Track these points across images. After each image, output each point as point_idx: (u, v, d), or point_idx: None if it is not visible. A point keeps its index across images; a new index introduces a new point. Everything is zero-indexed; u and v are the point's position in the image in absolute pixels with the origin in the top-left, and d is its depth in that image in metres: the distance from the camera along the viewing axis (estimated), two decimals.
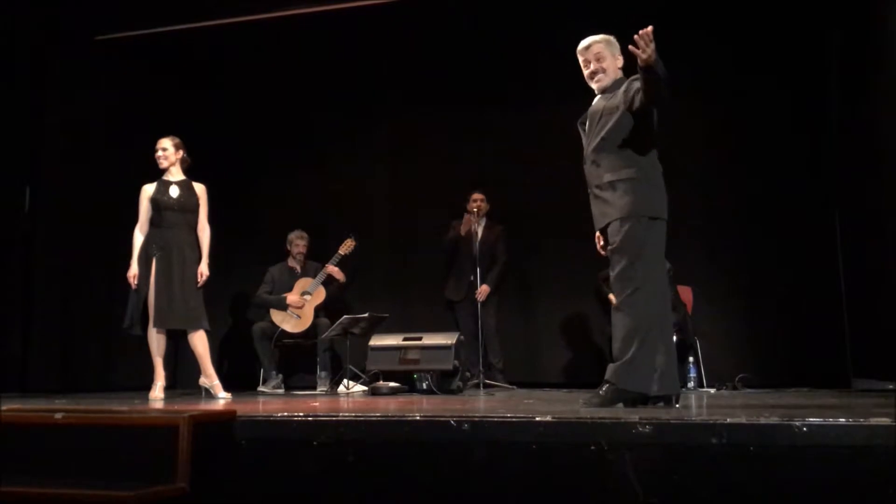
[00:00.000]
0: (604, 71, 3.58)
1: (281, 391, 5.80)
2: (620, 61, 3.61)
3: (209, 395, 4.85)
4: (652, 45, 3.24)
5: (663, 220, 3.39)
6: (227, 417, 2.84)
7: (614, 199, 3.38)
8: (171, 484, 2.51)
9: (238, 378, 6.21)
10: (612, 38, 3.65)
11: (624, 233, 3.33)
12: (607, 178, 3.42)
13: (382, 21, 6.26)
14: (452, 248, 6.19)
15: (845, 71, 5.53)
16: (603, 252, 3.62)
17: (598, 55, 3.60)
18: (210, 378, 4.85)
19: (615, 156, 3.42)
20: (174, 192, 4.91)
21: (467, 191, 6.19)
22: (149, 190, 4.94)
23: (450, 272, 6.25)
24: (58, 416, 2.76)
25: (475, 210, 6.03)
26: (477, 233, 6.04)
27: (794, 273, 5.83)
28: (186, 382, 6.82)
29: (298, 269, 6.23)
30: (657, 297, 3.34)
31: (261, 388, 5.89)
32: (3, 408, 2.95)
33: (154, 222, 4.87)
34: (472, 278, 5.96)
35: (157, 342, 4.74)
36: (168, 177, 4.98)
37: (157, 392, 4.74)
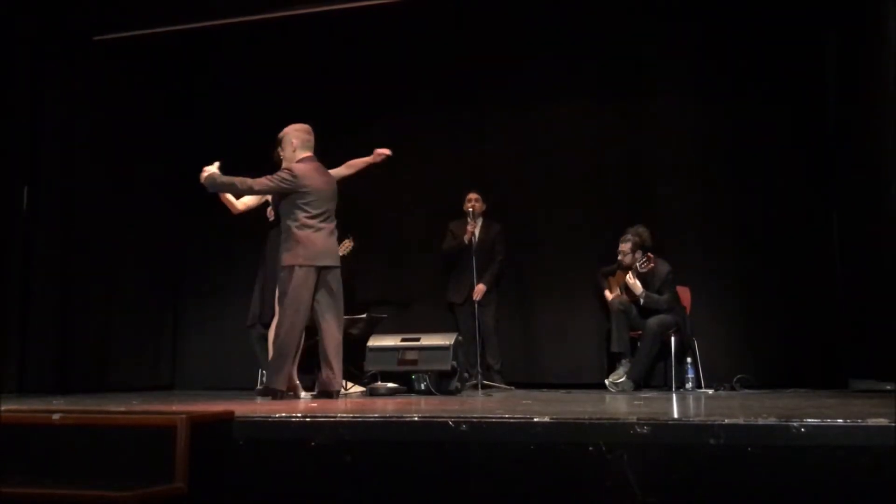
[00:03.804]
0: (283, 157, 4.83)
1: None
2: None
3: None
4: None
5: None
6: (225, 418, 2.84)
7: None
8: (169, 484, 2.51)
9: (236, 379, 6.21)
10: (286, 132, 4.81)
11: None
12: None
13: (380, 21, 6.26)
14: (453, 255, 6.18)
15: (842, 72, 5.54)
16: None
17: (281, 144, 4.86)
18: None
19: None
20: None
21: (466, 191, 6.19)
22: None
23: (451, 275, 6.24)
24: (55, 416, 2.76)
25: (470, 210, 6.04)
26: (474, 233, 6.04)
27: (792, 274, 5.83)
28: (185, 383, 6.83)
29: None
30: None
31: (259, 389, 5.88)
32: (2, 408, 2.95)
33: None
34: (472, 280, 5.95)
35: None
36: None
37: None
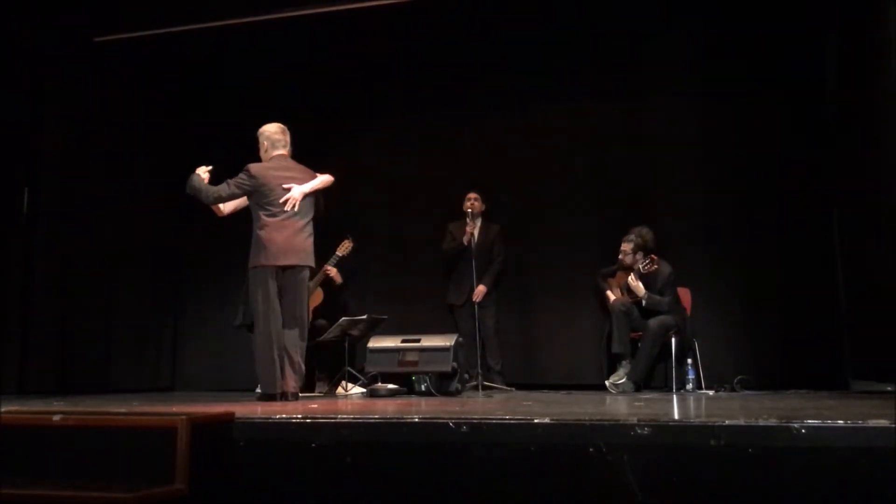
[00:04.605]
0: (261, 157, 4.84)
1: None
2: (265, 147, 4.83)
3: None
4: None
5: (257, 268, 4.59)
6: (225, 419, 2.84)
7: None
8: (170, 485, 2.51)
9: (236, 380, 6.21)
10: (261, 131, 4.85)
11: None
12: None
13: (380, 22, 6.26)
14: (453, 256, 6.18)
15: (842, 72, 5.54)
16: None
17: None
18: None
19: None
20: None
21: (466, 191, 6.19)
22: None
23: (450, 276, 6.24)
24: (56, 417, 2.76)
25: (469, 210, 6.04)
26: (473, 234, 6.04)
27: (793, 275, 5.83)
28: (186, 384, 6.83)
29: None
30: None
31: (258, 391, 5.87)
32: (2, 409, 2.94)
33: None
34: (472, 281, 5.95)
35: None
36: None
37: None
